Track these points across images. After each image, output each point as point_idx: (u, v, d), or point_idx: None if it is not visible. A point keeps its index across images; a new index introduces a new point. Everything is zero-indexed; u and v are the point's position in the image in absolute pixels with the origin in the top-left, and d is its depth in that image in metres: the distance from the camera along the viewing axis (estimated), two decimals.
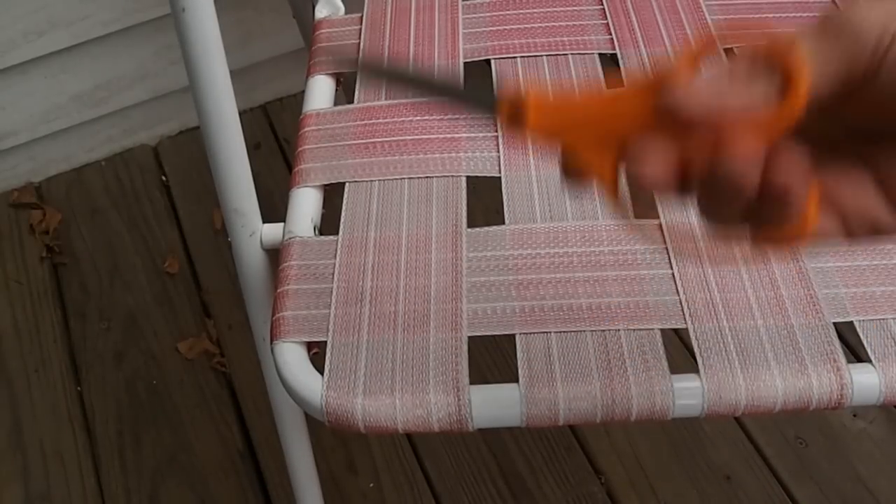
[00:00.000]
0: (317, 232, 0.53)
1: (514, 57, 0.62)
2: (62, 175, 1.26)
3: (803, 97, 0.27)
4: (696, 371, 0.45)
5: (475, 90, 0.34)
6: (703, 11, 0.64)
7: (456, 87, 0.34)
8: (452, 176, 0.55)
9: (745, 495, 0.91)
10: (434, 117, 0.58)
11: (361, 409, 0.44)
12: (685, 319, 0.47)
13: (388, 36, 0.64)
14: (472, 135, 0.57)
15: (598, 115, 0.31)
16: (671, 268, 0.49)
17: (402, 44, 0.63)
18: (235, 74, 0.48)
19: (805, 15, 0.63)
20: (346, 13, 0.68)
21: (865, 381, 0.44)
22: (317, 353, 0.48)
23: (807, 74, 0.27)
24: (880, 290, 0.47)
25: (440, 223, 0.52)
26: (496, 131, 0.57)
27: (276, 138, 1.27)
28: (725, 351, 0.45)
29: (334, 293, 0.49)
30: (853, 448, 0.94)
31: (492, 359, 0.96)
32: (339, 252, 0.51)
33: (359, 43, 0.64)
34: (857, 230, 0.28)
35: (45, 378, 1.05)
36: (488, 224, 0.52)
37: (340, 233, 0.52)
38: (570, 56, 0.62)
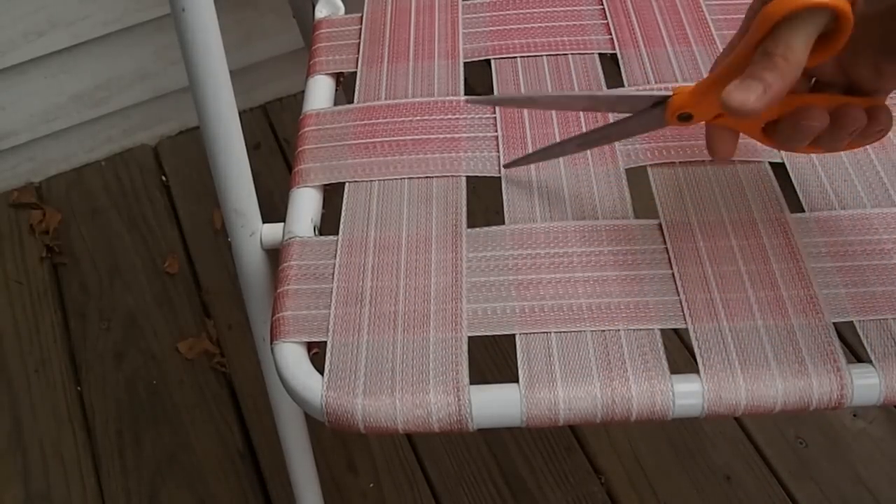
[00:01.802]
0: (317, 232, 0.53)
1: (514, 57, 0.62)
2: (62, 175, 1.26)
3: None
4: (696, 371, 0.45)
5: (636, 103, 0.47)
6: (703, 11, 0.64)
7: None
8: (452, 176, 0.55)
9: (745, 495, 0.91)
10: (434, 117, 0.58)
11: (361, 409, 0.44)
12: (685, 319, 0.47)
13: (388, 36, 0.64)
14: (472, 135, 0.57)
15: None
16: (671, 267, 0.49)
17: (402, 44, 0.63)
18: (235, 74, 0.48)
19: None
20: (346, 13, 0.68)
21: (865, 382, 0.44)
22: (317, 354, 0.48)
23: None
24: (880, 290, 0.47)
25: (440, 223, 0.52)
26: (496, 131, 0.57)
27: (276, 138, 1.28)
28: (725, 351, 0.45)
29: (334, 293, 0.49)
30: (853, 448, 0.94)
31: (492, 359, 0.96)
32: (338, 252, 0.51)
33: (359, 43, 0.64)
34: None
35: (45, 378, 1.05)
36: (488, 224, 0.52)
37: (340, 233, 0.52)
38: (570, 56, 0.62)
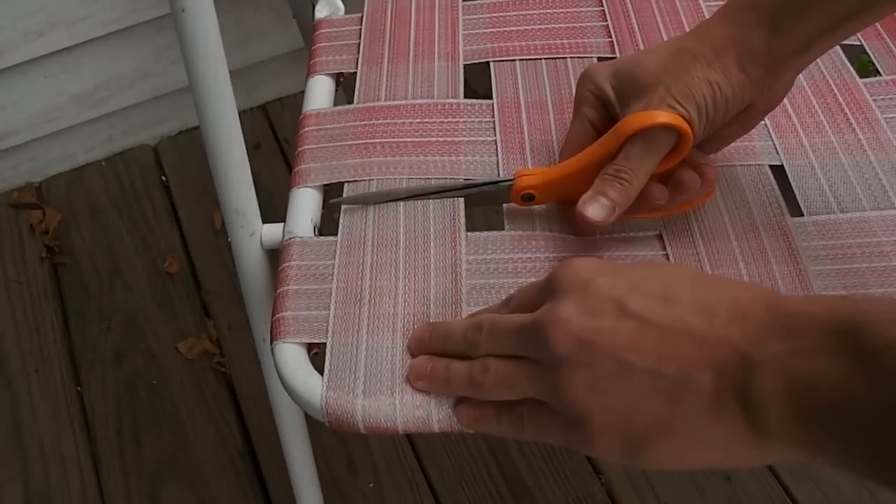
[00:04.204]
0: (317, 232, 0.53)
1: (513, 60, 0.62)
2: (62, 175, 1.26)
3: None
4: None
5: (484, 186, 0.52)
6: (703, 13, 0.64)
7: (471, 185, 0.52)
8: (451, 178, 0.54)
9: (745, 495, 0.91)
10: (434, 120, 0.58)
11: (361, 409, 0.44)
12: None
13: (387, 36, 0.64)
14: (472, 139, 0.57)
15: (586, 173, 0.48)
16: None
17: (402, 45, 0.63)
18: (235, 74, 0.48)
19: None
20: (346, 13, 0.68)
21: None
22: (317, 354, 0.48)
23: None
24: (880, 292, 0.47)
25: (438, 225, 0.52)
26: (495, 136, 0.57)
27: (276, 138, 1.28)
28: None
29: (333, 294, 0.49)
30: None
31: None
32: (337, 253, 0.51)
33: (359, 43, 0.64)
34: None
35: (45, 378, 1.05)
36: (488, 222, 0.52)
37: (339, 233, 0.52)
38: (568, 59, 0.62)
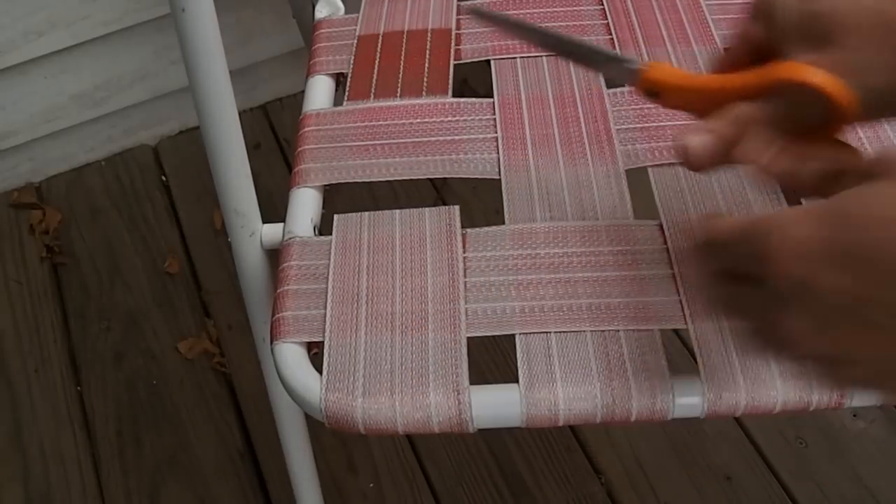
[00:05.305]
0: (317, 232, 0.53)
1: (514, 58, 0.62)
2: (62, 175, 1.26)
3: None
4: (697, 371, 0.45)
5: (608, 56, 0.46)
6: (703, 11, 0.64)
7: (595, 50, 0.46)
8: (454, 175, 0.54)
9: (745, 495, 0.91)
10: (434, 119, 0.58)
11: (361, 410, 0.44)
12: (685, 320, 0.47)
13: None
14: (472, 136, 0.57)
15: (716, 97, 0.40)
16: (672, 268, 0.49)
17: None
18: (235, 74, 0.48)
19: None
20: (346, 13, 0.68)
21: None
22: (317, 354, 0.48)
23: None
24: None
25: (434, 224, 0.52)
26: (496, 132, 0.57)
27: (276, 138, 1.27)
28: (725, 351, 0.45)
29: (329, 293, 0.49)
30: (853, 448, 0.94)
31: (492, 359, 0.96)
32: (332, 254, 0.51)
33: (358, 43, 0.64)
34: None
35: (45, 378, 1.05)
36: (488, 224, 0.52)
37: (334, 233, 0.52)
38: None
